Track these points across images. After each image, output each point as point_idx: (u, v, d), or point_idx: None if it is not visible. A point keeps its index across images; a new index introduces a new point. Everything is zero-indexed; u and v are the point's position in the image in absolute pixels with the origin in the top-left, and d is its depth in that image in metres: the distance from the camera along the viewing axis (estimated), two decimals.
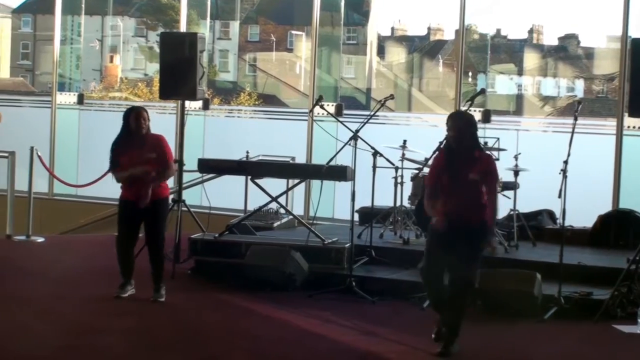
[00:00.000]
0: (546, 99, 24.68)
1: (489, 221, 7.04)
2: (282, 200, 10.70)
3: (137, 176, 8.40)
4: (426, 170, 9.62)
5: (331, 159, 9.37)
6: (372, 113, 9.65)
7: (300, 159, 12.60)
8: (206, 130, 14.30)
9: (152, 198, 8.41)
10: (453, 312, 7.07)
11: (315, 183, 10.17)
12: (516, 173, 10.21)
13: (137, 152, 8.41)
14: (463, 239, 6.95)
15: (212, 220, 10.47)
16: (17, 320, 7.81)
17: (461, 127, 7.06)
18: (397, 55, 29.24)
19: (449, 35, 27.60)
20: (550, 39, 26.98)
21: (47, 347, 7.00)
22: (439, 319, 7.24)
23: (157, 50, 12.93)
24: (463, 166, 7.04)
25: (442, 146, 7.56)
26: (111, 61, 30.30)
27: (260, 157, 11.66)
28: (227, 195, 11.92)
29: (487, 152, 7.58)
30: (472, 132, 7.11)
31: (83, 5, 16.18)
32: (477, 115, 12.14)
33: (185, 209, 10.17)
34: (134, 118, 8.46)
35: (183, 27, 14.14)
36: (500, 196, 10.32)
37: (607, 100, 22.37)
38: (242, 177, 11.15)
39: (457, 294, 7.02)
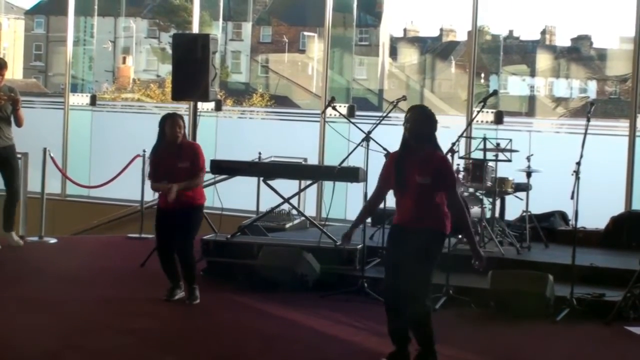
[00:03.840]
0: (559, 100, 24.61)
1: (465, 230, 6.44)
2: (294, 201, 10.70)
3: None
4: None
5: (343, 160, 9.38)
6: (384, 114, 9.65)
7: (312, 160, 12.60)
8: (218, 132, 14.31)
9: (185, 205, 8.37)
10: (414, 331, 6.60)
11: (328, 184, 10.16)
12: (528, 174, 10.20)
13: (172, 162, 8.36)
14: (409, 250, 6.32)
15: (224, 222, 10.47)
16: (29, 320, 7.83)
17: (418, 119, 6.40)
18: (410, 56, 29.20)
19: (461, 36, 27.58)
20: (562, 40, 26.92)
21: (59, 347, 7.02)
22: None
23: (170, 51, 12.93)
24: (411, 167, 6.37)
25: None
26: (124, 62, 30.43)
27: (273, 158, 11.67)
28: (239, 196, 11.91)
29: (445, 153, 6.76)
30: (430, 129, 6.40)
31: (96, 7, 16.24)
32: (490, 117, 12.15)
33: None
34: (170, 125, 8.35)
35: (195, 29, 14.17)
36: (512, 197, 10.38)
37: (620, 101, 22.28)
38: (254, 178, 11.14)
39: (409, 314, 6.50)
